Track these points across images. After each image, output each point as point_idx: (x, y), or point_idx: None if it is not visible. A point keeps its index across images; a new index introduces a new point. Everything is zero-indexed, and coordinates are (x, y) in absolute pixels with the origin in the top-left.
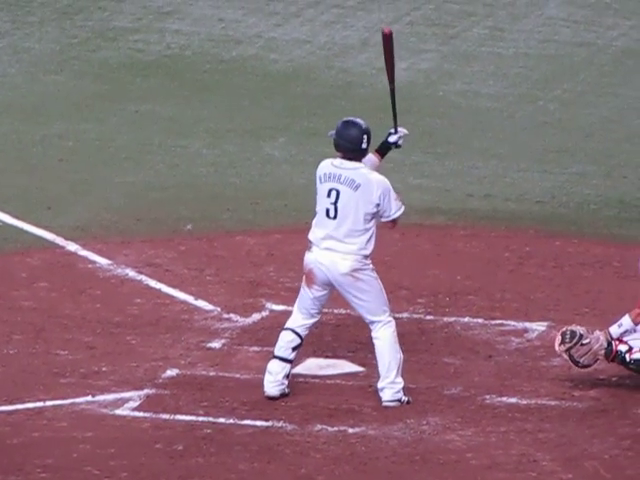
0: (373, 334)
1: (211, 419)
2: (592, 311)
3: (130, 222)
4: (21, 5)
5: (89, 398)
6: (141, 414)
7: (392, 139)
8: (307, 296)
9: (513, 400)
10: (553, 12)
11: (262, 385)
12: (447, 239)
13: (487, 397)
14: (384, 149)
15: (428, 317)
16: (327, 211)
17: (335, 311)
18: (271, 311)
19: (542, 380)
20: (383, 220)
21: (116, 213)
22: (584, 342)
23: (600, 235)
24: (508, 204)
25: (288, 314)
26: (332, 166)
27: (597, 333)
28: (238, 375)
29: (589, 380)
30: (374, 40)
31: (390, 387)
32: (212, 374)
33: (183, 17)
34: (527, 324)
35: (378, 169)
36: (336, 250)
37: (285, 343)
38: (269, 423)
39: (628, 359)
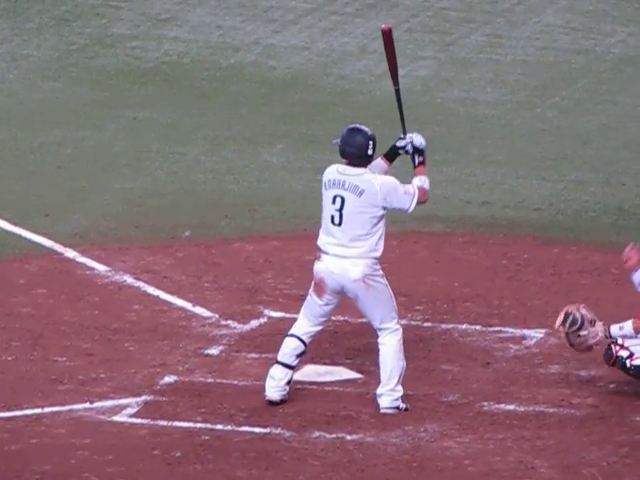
0: (379, 340)
1: (209, 426)
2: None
3: (128, 229)
4: (19, 12)
5: (87, 405)
6: (139, 421)
7: (400, 144)
8: (316, 304)
9: (511, 407)
10: (551, 19)
11: (260, 391)
12: (445, 246)
13: (485, 404)
14: (392, 154)
15: (426, 324)
16: (332, 218)
17: (333, 318)
18: (269, 318)
19: (540, 387)
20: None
21: (114, 220)
22: (581, 333)
23: (598, 242)
24: (506, 211)
25: (286, 321)
26: (337, 172)
27: (597, 327)
28: (236, 382)
29: (587, 387)
30: (372, 47)
31: (389, 394)
32: (210, 381)
33: (181, 24)
34: (525, 331)
35: (387, 174)
36: (346, 256)
37: (290, 350)
38: (267, 430)
39: (629, 365)
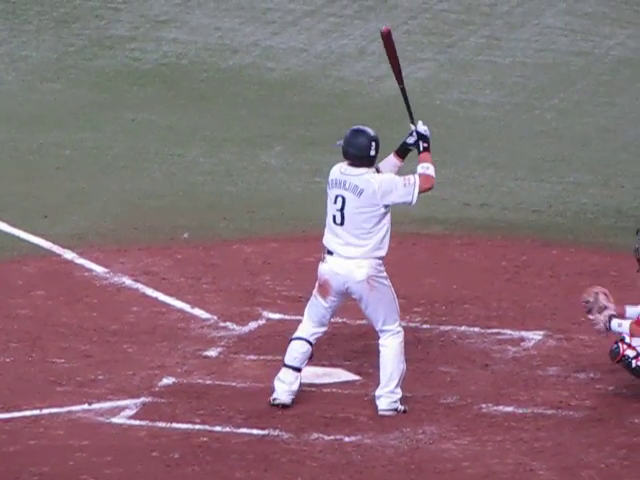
0: (380, 341)
1: (207, 427)
2: (589, 320)
3: (127, 230)
4: (18, 13)
5: (85, 406)
6: (137, 422)
7: (410, 140)
8: (320, 306)
9: (509, 409)
10: (550, 21)
11: (259, 394)
12: (444, 248)
13: (483, 406)
14: (403, 150)
15: (425, 326)
16: (334, 217)
17: (332, 320)
18: (268, 320)
19: (538, 389)
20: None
21: (113, 221)
22: (589, 317)
23: (597, 244)
24: (505, 213)
25: (285, 323)
26: (339, 172)
27: (601, 317)
28: (234, 384)
29: (586, 389)
30: (371, 49)
31: (388, 396)
32: (208, 382)
33: (180, 26)
34: (524, 333)
35: (400, 170)
36: (350, 257)
37: (300, 354)
38: (265, 432)
39: (634, 365)
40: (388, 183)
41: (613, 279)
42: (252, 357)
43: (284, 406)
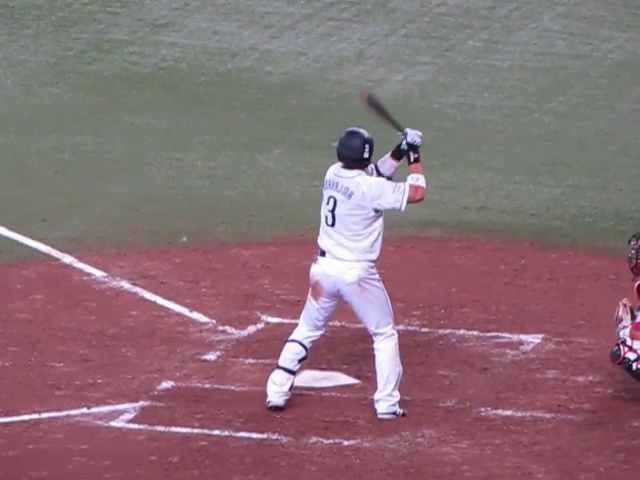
0: (375, 345)
1: (206, 431)
2: (588, 323)
3: (125, 234)
4: (16, 18)
5: (84, 410)
6: (136, 426)
7: (403, 145)
8: (313, 308)
9: (508, 413)
10: (548, 25)
11: (258, 397)
12: (442, 251)
13: (482, 410)
14: (398, 152)
15: (423, 329)
16: (326, 218)
17: (330, 323)
18: (266, 323)
19: (537, 392)
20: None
21: (111, 225)
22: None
23: (595, 247)
24: (503, 216)
25: (284, 326)
26: (333, 174)
27: (618, 328)
28: (233, 387)
29: (584, 393)
30: (369, 52)
31: (386, 400)
32: (207, 386)
33: (178, 30)
34: (522, 336)
35: (396, 171)
36: (342, 259)
37: (292, 355)
38: (264, 435)
39: (634, 368)
40: (377, 188)
41: (612, 282)
42: (251, 361)
43: (277, 408)
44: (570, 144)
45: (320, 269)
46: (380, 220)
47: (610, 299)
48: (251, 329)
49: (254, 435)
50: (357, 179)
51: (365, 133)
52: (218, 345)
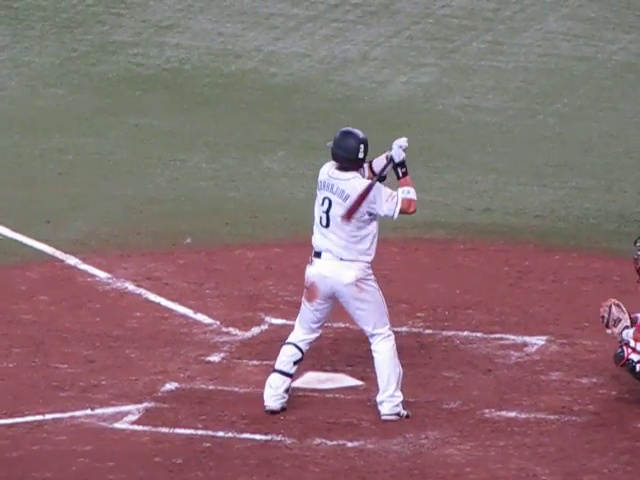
0: (372, 347)
1: (210, 433)
2: (592, 325)
3: (129, 236)
4: (21, 19)
5: (88, 411)
6: (140, 428)
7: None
8: (308, 310)
9: (512, 414)
10: (553, 26)
11: (262, 399)
12: (446, 253)
13: (486, 411)
14: (380, 176)
15: (427, 331)
16: (320, 219)
17: (334, 325)
18: (270, 325)
19: (541, 394)
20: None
21: (116, 227)
22: (607, 332)
23: (599, 249)
24: (507, 218)
25: (287, 328)
26: (327, 175)
27: (618, 329)
28: (237, 389)
29: (588, 394)
30: (374, 54)
31: (389, 401)
32: (211, 388)
33: (183, 31)
34: (526, 338)
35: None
36: (338, 259)
37: (287, 357)
38: (268, 437)
39: (638, 369)
40: (373, 193)
41: (616, 284)
42: (255, 362)
43: (273, 412)
44: (574, 146)
45: (316, 270)
46: (374, 223)
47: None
48: (255, 330)
49: (258, 436)
50: (353, 182)
51: (360, 133)
52: (222, 346)
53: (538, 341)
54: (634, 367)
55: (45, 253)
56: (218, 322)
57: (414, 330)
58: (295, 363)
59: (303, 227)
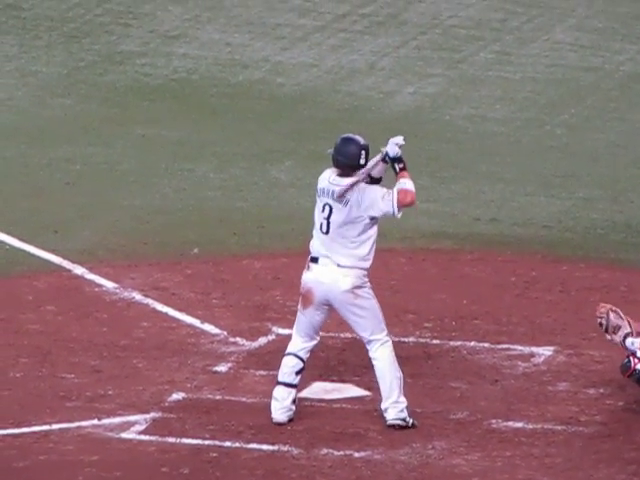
0: (371, 354)
1: (217, 443)
2: (599, 336)
3: (137, 246)
4: (28, 29)
5: (95, 421)
6: (147, 437)
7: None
8: (303, 318)
9: (519, 425)
10: (560, 37)
11: (269, 409)
12: (454, 263)
13: (493, 421)
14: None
15: (434, 341)
16: (321, 225)
17: (341, 335)
18: (277, 335)
19: (548, 405)
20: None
21: (123, 236)
22: (607, 337)
23: (607, 260)
24: (515, 228)
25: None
26: (328, 182)
27: (616, 337)
28: (244, 399)
29: (595, 405)
30: (381, 64)
31: (394, 406)
32: (218, 398)
33: (190, 41)
34: (534, 348)
35: (385, 172)
36: (337, 265)
37: (288, 369)
38: (275, 447)
39: None
40: (370, 195)
41: (623, 294)
42: (262, 372)
43: (279, 424)
44: (582, 156)
45: (313, 276)
46: (375, 228)
47: (621, 311)
48: (262, 340)
49: (265, 447)
50: (353, 187)
51: (361, 140)
52: (229, 356)
53: (545, 351)
54: None
55: (52, 263)
56: (225, 332)
57: (421, 340)
58: (297, 373)
59: (310, 237)
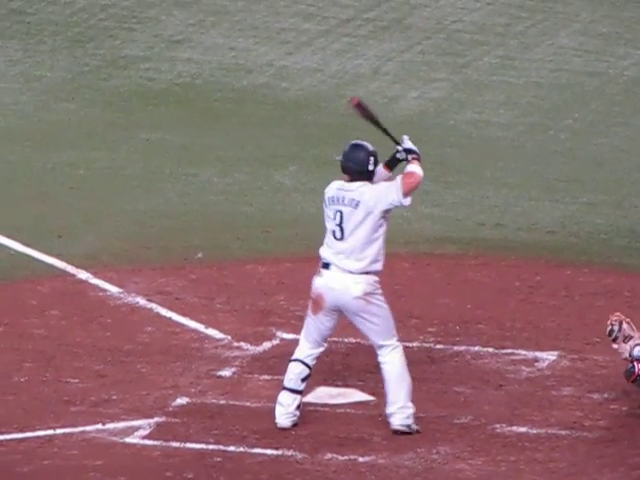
0: (381, 359)
1: (221, 447)
2: (603, 341)
3: (141, 250)
4: (33, 33)
5: (99, 426)
6: (151, 442)
7: (400, 156)
8: (313, 324)
9: (523, 429)
10: (564, 42)
11: (273, 414)
12: (458, 268)
13: (497, 426)
14: (392, 162)
15: (438, 346)
16: (334, 232)
17: (346, 340)
18: (281, 340)
19: (552, 409)
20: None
21: (127, 241)
22: (614, 347)
23: (611, 265)
24: (519, 233)
25: (298, 343)
26: (336, 190)
27: (626, 346)
28: (248, 403)
29: (599, 410)
30: (385, 69)
31: (400, 412)
32: (222, 402)
33: (194, 46)
34: (537, 353)
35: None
36: (348, 272)
37: (294, 375)
38: (279, 452)
39: None
40: (376, 189)
41: (627, 299)
42: (266, 377)
43: (283, 429)
44: (586, 161)
45: (324, 282)
46: (384, 227)
47: (626, 316)
48: (266, 345)
49: (269, 451)
50: (362, 189)
51: (369, 146)
52: (233, 361)
53: (549, 356)
54: None
55: (56, 268)
56: (229, 337)
57: (425, 345)
58: (303, 380)
59: (314, 242)
